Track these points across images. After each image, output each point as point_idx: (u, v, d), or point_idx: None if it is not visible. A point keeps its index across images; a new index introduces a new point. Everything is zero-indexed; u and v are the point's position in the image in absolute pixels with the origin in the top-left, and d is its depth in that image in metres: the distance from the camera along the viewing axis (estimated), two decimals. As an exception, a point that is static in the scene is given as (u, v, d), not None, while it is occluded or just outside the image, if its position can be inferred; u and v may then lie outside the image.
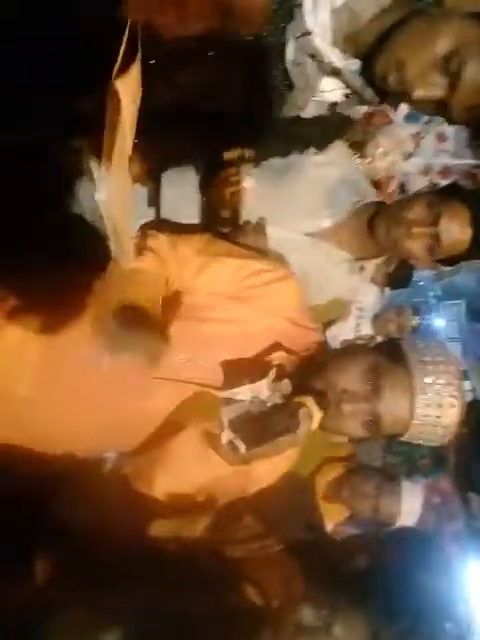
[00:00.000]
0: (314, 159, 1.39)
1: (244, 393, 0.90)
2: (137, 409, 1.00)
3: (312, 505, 1.26)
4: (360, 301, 1.61)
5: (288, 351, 1.03)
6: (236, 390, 0.91)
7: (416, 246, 1.20)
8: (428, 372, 0.93)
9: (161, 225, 1.30)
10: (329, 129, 1.37)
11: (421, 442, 1.00)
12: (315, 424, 0.91)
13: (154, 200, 1.34)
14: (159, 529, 0.98)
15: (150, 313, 0.91)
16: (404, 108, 1.59)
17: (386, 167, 1.37)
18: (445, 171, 1.55)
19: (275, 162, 1.34)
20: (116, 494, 1.07)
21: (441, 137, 1.56)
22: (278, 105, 1.24)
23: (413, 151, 1.48)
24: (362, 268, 1.38)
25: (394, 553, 1.08)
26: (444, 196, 1.23)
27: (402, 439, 0.99)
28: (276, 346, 1.01)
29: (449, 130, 1.57)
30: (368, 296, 1.69)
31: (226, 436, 0.87)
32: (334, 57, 1.08)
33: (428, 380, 0.93)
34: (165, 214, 1.35)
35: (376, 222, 1.26)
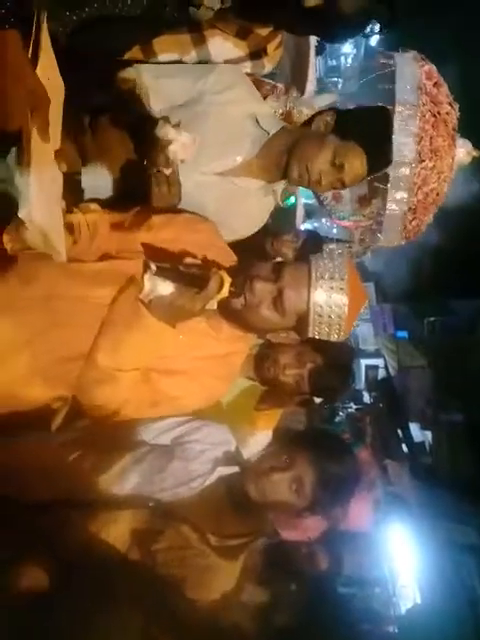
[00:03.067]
0: (216, 99, 1.37)
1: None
2: (85, 305, 1.14)
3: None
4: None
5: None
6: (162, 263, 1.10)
7: (325, 184, 1.37)
8: (325, 266, 1.13)
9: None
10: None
11: (322, 336, 1.15)
12: (225, 291, 1.09)
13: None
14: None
15: None
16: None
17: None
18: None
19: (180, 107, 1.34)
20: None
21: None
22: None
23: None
24: (274, 191, 1.49)
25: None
26: (344, 138, 1.33)
27: (308, 336, 1.15)
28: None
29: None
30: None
31: (148, 278, 1.03)
32: None
33: (323, 272, 1.12)
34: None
35: (291, 164, 1.35)
